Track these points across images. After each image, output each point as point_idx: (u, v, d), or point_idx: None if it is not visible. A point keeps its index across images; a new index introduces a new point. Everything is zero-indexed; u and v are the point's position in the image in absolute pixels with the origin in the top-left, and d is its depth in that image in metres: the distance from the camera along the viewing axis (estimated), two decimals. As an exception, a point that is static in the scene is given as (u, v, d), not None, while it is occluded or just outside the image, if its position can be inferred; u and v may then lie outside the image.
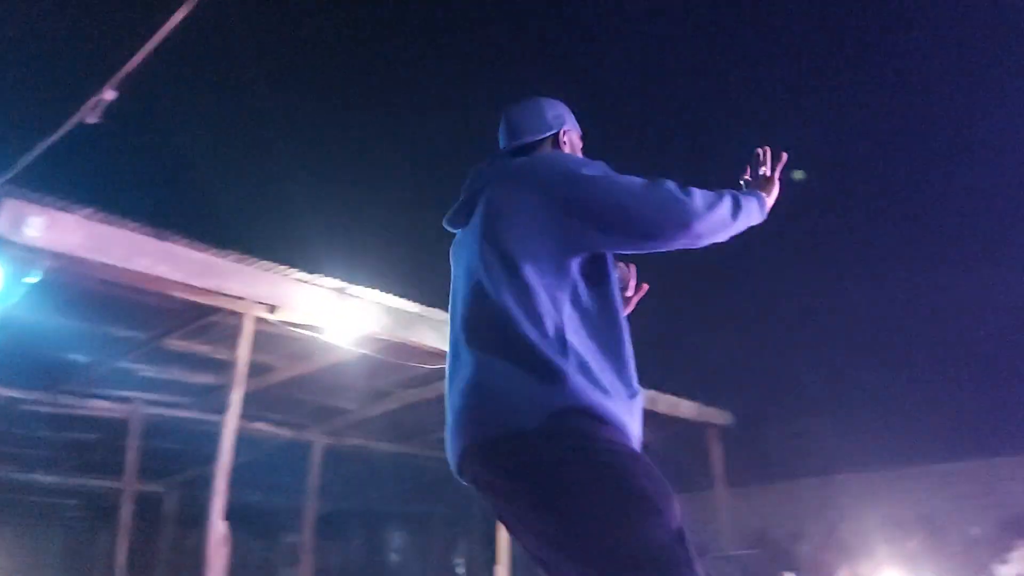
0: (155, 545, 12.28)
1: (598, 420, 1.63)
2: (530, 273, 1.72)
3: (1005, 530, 11.82)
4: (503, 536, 8.06)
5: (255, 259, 6.27)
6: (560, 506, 1.55)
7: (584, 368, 1.66)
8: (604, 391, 1.66)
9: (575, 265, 1.76)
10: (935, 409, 14.21)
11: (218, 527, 6.06)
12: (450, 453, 1.81)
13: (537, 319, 1.68)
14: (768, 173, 2.10)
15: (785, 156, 2.11)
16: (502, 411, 1.63)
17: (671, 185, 1.77)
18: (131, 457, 9.11)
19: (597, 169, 1.81)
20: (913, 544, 12.07)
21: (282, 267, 6.42)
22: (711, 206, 1.78)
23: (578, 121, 2.16)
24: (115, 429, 9.34)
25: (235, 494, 12.75)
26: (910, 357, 15.52)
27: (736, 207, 1.86)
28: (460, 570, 17.27)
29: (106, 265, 5.52)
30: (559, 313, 1.71)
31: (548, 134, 2.05)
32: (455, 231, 2.06)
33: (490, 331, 1.72)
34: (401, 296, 7.20)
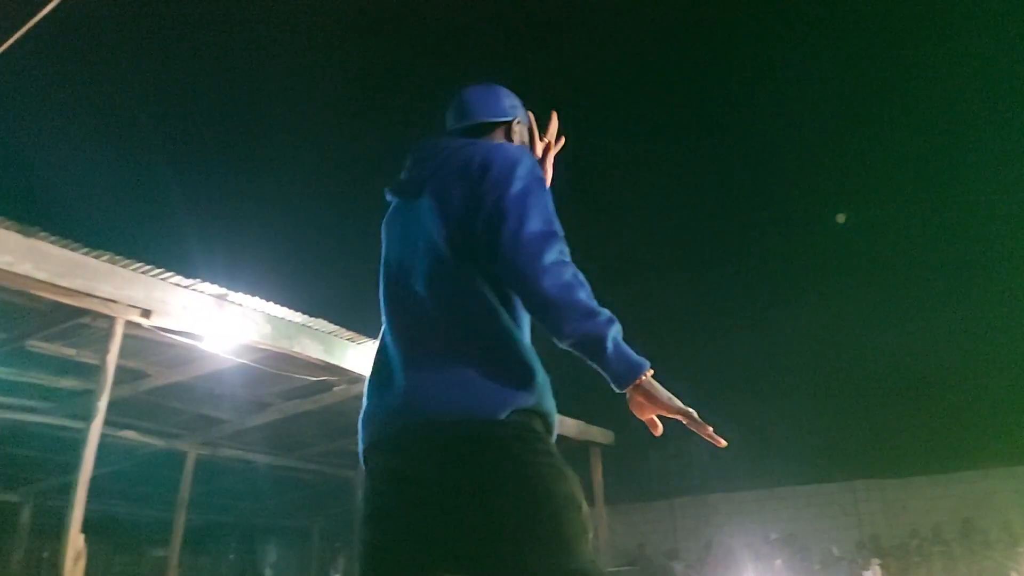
0: (7, 558, 11.51)
1: (549, 428, 1.63)
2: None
3: (863, 548, 12.52)
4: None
5: (130, 261, 6.02)
6: (509, 508, 1.46)
7: (543, 370, 1.65)
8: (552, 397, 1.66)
9: None
10: (802, 435, 14.99)
11: (76, 540, 5.75)
12: (372, 431, 1.67)
13: (511, 313, 1.66)
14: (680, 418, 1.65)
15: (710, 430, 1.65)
16: (468, 394, 1.54)
17: (562, 249, 1.60)
18: (-17, 464, 8.54)
19: (540, 187, 1.70)
20: (779, 561, 12.59)
21: (158, 270, 6.19)
22: (573, 287, 1.55)
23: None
24: (-33, 434, 8.75)
25: (99, 505, 12.15)
26: (781, 388, 16.34)
27: (609, 323, 1.54)
28: (337, 586, 16.93)
29: (-37, 260, 5.20)
30: (520, 310, 1.68)
31: (502, 120, 1.97)
32: (395, 199, 1.91)
33: (462, 317, 1.62)
34: (284, 305, 7.05)
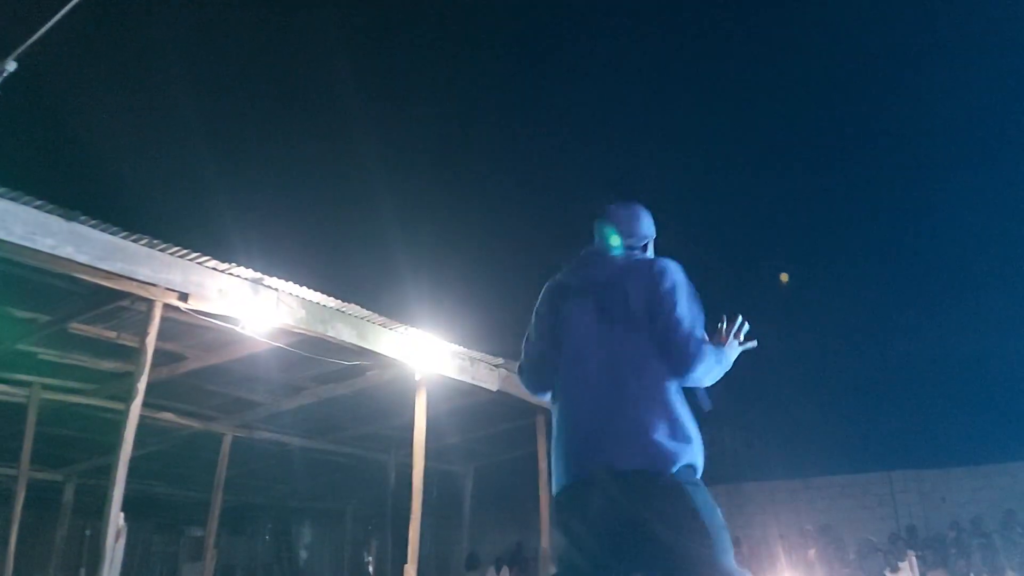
0: (51, 535, 11.81)
1: (698, 474, 2.28)
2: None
3: (899, 540, 12.34)
4: (414, 535, 8.03)
5: (168, 245, 6.09)
6: (684, 530, 2.11)
7: (699, 433, 2.33)
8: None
9: None
10: (838, 425, 14.80)
11: (116, 518, 5.88)
12: (574, 468, 2.31)
13: (680, 395, 2.37)
14: (723, 337, 2.57)
15: (740, 321, 2.63)
16: (654, 454, 2.20)
17: (701, 342, 2.37)
18: (27, 443, 8.74)
19: (697, 300, 2.47)
20: (813, 552, 12.46)
21: (196, 254, 6.26)
22: (711, 371, 2.41)
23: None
24: (12, 413, 8.96)
25: (139, 485, 12.39)
26: (816, 377, 16.13)
27: (720, 358, 2.44)
28: (370, 568, 17.13)
29: (8, 243, 5.30)
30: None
31: (645, 242, 2.72)
32: (572, 287, 2.58)
33: (657, 396, 2.29)
34: (318, 290, 7.10)
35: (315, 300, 7.18)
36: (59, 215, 5.53)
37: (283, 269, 6.84)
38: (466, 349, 8.66)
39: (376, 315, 7.69)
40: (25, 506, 9.12)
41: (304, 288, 7.01)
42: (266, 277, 6.73)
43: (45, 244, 5.45)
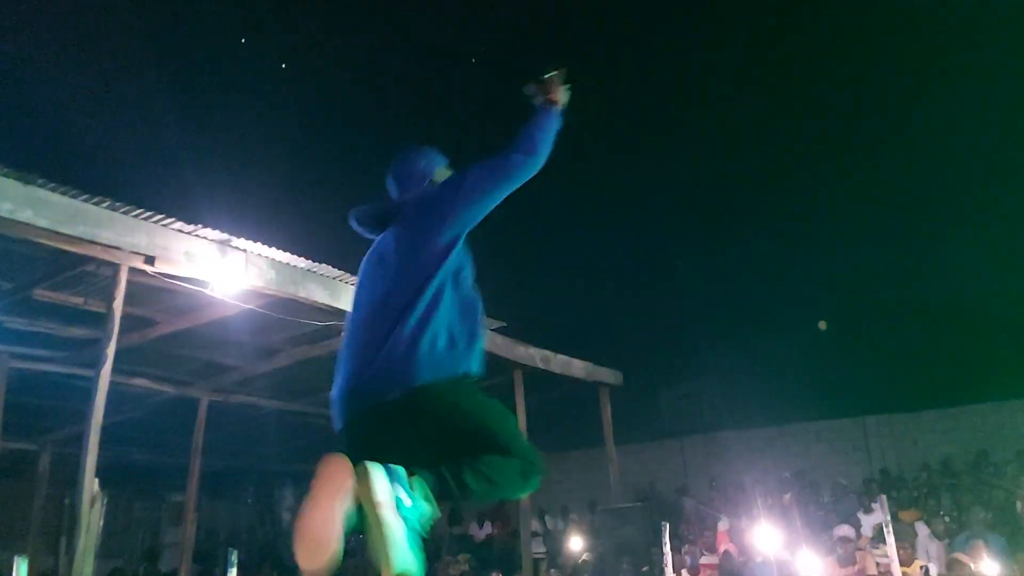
0: (28, 505, 11.74)
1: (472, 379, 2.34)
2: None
3: (871, 482, 12.60)
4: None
5: (131, 207, 5.97)
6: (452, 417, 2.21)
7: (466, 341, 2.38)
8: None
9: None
10: (812, 371, 14.93)
11: (91, 485, 5.83)
12: (349, 409, 2.40)
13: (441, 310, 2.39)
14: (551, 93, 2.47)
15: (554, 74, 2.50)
16: (426, 369, 2.25)
17: (476, 170, 2.43)
18: (-3, 413, 8.63)
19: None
20: (788, 496, 12.68)
21: (160, 216, 6.14)
22: (516, 153, 2.41)
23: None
24: (-20, 384, 8.82)
25: (117, 452, 12.29)
26: (790, 324, 16.24)
27: (528, 137, 2.42)
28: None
29: (-37, 209, 5.16)
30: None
31: (425, 183, 2.70)
32: (373, 238, 2.73)
33: (395, 316, 2.36)
34: (288, 250, 7.00)
35: (285, 261, 7.09)
36: (16, 179, 5.39)
37: (251, 230, 6.73)
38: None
39: (349, 275, 7.61)
40: (0, 476, 9.04)
41: (273, 249, 6.91)
42: (233, 238, 6.63)
43: (3, 209, 5.32)
